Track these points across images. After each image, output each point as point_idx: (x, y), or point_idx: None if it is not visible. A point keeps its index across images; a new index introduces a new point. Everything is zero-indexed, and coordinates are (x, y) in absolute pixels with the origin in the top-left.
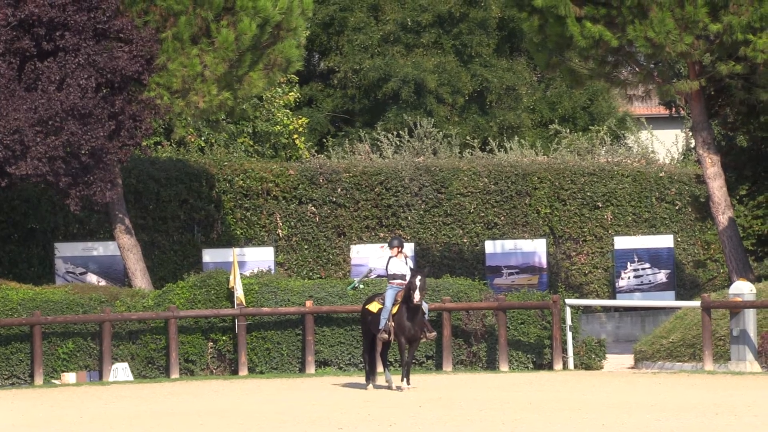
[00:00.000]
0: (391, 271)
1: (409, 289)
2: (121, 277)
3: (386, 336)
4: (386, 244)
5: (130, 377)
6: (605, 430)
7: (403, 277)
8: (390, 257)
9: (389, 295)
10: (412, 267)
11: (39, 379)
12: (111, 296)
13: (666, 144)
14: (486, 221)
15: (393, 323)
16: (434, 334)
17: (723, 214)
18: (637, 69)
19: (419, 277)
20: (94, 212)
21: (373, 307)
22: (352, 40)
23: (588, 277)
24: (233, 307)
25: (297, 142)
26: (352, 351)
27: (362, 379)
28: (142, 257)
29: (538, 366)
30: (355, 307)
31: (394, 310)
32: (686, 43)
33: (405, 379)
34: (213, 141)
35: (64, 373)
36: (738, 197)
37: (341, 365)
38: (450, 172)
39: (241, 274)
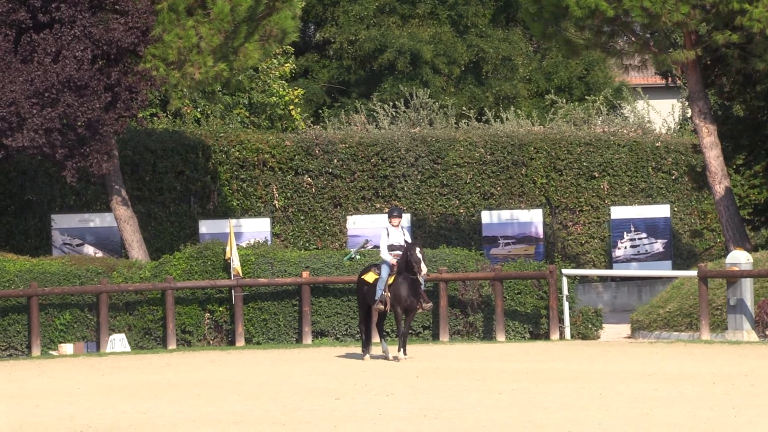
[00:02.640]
0: (389, 242)
1: (411, 262)
2: (118, 248)
3: (382, 307)
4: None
5: (128, 348)
6: (602, 400)
7: (400, 248)
8: (388, 228)
9: (385, 266)
10: (407, 239)
11: (36, 351)
12: (108, 267)
13: (662, 114)
14: (482, 191)
15: (389, 294)
16: (430, 304)
17: (720, 184)
18: (633, 39)
19: (418, 249)
20: (90, 184)
21: (369, 277)
22: (348, 11)
23: (584, 247)
24: (230, 278)
25: (293, 113)
26: (349, 321)
27: (359, 350)
28: (138, 229)
29: (535, 336)
30: (351, 277)
31: (390, 280)
32: (682, 13)
33: (402, 350)
34: (209, 112)
35: (62, 345)
36: (734, 167)
37: (338, 336)
38: (446, 143)
39: (237, 245)
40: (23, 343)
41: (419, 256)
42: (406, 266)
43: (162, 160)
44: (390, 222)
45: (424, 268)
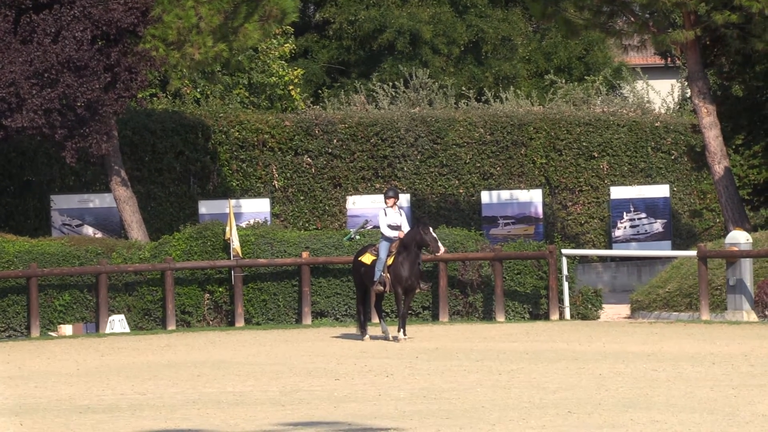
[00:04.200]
0: (387, 222)
1: (427, 241)
2: (118, 228)
3: (382, 288)
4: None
5: (127, 329)
6: (602, 380)
7: (397, 228)
8: (385, 208)
9: (383, 247)
10: (404, 219)
11: (36, 332)
12: (107, 248)
13: (662, 94)
14: (482, 172)
15: (389, 275)
16: (428, 284)
17: (719, 164)
18: (632, 19)
19: (431, 228)
20: (90, 164)
21: (366, 258)
22: None
23: (584, 227)
24: (230, 258)
25: (293, 93)
26: (349, 302)
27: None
28: (138, 209)
29: (535, 316)
30: (351, 258)
31: (390, 261)
32: None
33: (401, 330)
34: (209, 93)
35: (61, 325)
36: (734, 147)
37: (337, 316)
38: (446, 123)
39: (237, 225)
40: (22, 324)
41: (434, 235)
42: (418, 246)
43: (162, 141)
44: (386, 202)
45: (441, 247)
